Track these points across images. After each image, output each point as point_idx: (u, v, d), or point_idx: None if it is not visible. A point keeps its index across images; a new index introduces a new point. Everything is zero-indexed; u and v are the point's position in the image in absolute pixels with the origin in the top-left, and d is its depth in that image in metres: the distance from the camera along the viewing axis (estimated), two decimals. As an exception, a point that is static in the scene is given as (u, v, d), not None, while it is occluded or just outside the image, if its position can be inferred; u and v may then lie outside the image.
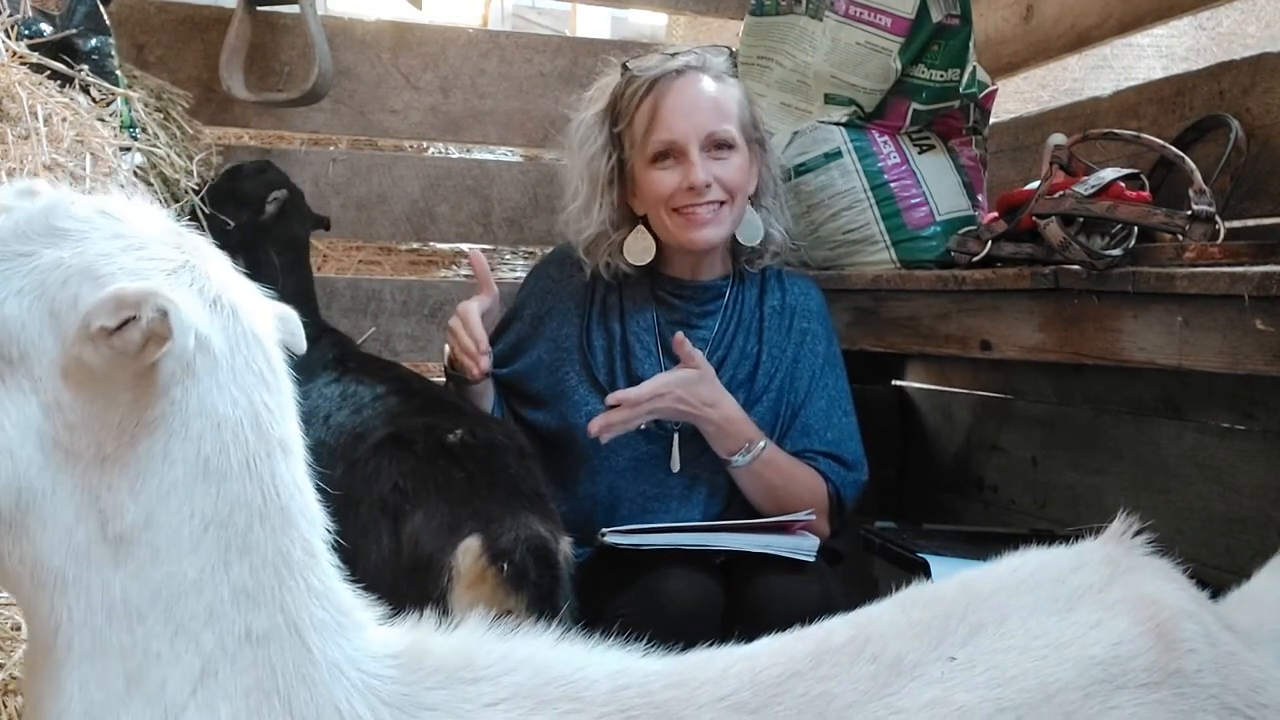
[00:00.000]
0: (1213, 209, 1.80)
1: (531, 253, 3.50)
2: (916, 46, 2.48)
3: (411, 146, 3.46)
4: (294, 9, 2.75)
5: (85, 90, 2.00)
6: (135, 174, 1.98)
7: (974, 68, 2.55)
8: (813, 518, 1.98)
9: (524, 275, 2.57)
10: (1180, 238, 1.79)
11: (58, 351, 0.96)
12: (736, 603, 1.86)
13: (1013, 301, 2.05)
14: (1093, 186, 1.90)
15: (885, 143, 2.54)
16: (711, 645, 1.19)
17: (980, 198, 2.59)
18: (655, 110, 2.07)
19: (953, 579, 1.28)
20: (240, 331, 1.02)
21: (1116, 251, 1.80)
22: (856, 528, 2.47)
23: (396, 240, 3.42)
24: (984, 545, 2.13)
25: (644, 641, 1.15)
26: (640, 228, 2.15)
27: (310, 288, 2.47)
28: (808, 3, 2.57)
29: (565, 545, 1.76)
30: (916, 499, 3.24)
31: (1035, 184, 2.12)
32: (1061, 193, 1.93)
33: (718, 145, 2.06)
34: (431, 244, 3.56)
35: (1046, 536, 1.42)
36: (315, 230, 2.57)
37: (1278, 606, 1.39)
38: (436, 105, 3.03)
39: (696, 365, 2.01)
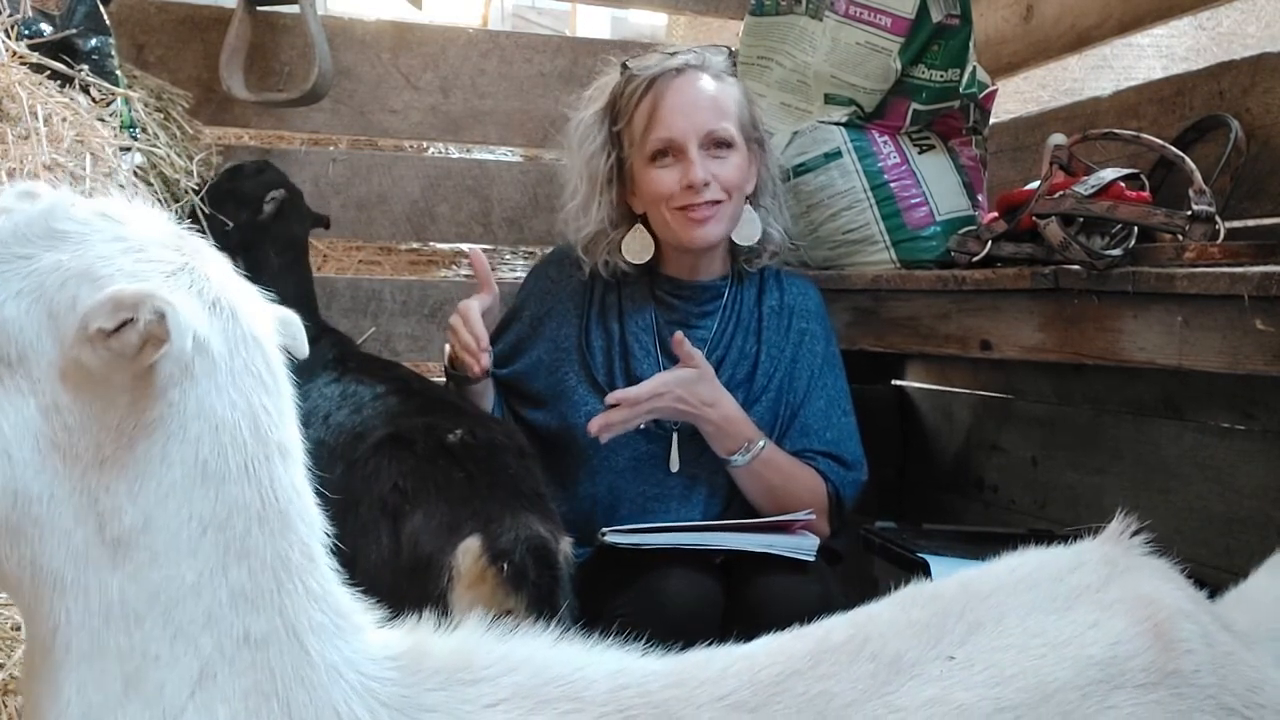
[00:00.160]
0: (1213, 209, 1.80)
1: (531, 253, 3.51)
2: (916, 46, 2.48)
3: (411, 146, 3.46)
4: (294, 9, 2.75)
5: (85, 90, 2.00)
6: (135, 174, 1.98)
7: (974, 68, 2.55)
8: (812, 517, 1.98)
9: (524, 275, 2.57)
10: (1180, 238, 1.79)
11: (56, 353, 0.96)
12: (736, 603, 1.86)
13: (1013, 301, 2.05)
14: (1093, 186, 1.90)
15: (885, 143, 2.54)
16: (711, 645, 1.19)
17: (980, 198, 2.59)
18: (654, 109, 2.07)
19: (951, 578, 1.28)
20: (239, 334, 1.02)
21: (1116, 251, 1.80)
22: (856, 528, 2.47)
23: (396, 240, 3.43)
24: (984, 545, 2.13)
25: (644, 641, 1.15)
26: (639, 226, 2.15)
27: (310, 287, 2.47)
28: (808, 3, 2.57)
29: (565, 545, 1.76)
30: (916, 499, 3.24)
31: (1035, 184, 2.12)
32: (1061, 193, 1.93)
33: (716, 144, 2.07)
34: (431, 244, 3.56)
35: (1046, 536, 1.42)
36: (315, 229, 2.57)
37: (1275, 606, 1.39)
38: (436, 105, 3.02)
39: (696, 365, 2.02)
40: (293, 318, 1.15)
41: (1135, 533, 1.32)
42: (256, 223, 2.35)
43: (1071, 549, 1.31)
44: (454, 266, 3.62)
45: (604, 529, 1.90)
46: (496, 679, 1.05)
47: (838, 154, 2.52)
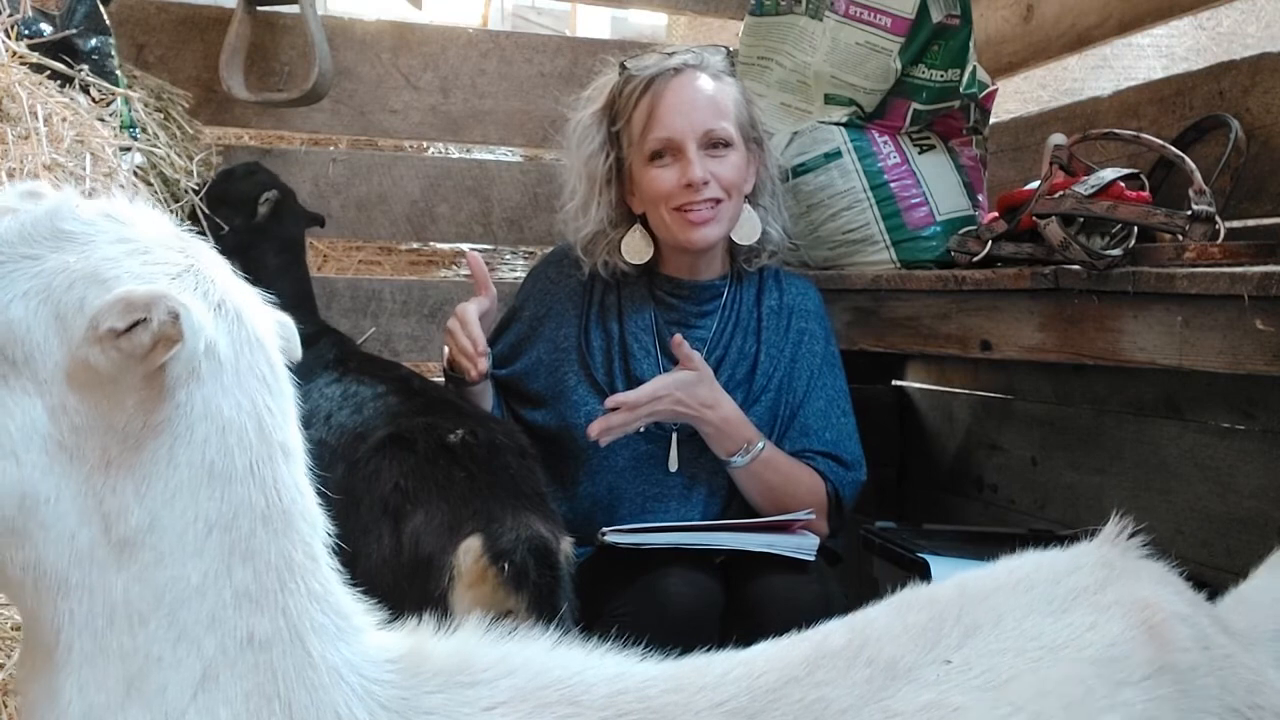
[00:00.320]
0: (1213, 209, 1.80)
1: (531, 253, 3.50)
2: (916, 46, 2.48)
3: (411, 146, 3.46)
4: (294, 9, 2.74)
5: (85, 90, 2.00)
6: (135, 174, 1.98)
7: (974, 68, 2.55)
8: (812, 517, 1.98)
9: (524, 275, 2.57)
10: (1180, 238, 1.79)
11: (63, 354, 0.95)
12: (736, 603, 1.86)
13: (1013, 301, 2.05)
14: (1093, 186, 1.90)
15: (885, 143, 2.54)
16: (711, 645, 1.19)
17: (980, 198, 2.59)
18: (652, 109, 2.07)
19: (948, 581, 1.29)
20: (244, 335, 1.03)
21: (1116, 251, 1.80)
22: (856, 528, 2.47)
23: (396, 240, 3.42)
24: (984, 545, 2.13)
25: (643, 641, 1.15)
26: (638, 226, 2.15)
27: (309, 288, 2.47)
28: (808, 3, 2.57)
29: (566, 545, 1.76)
30: (916, 499, 3.24)
31: (1035, 184, 2.12)
32: (1061, 193, 1.93)
33: (715, 143, 2.07)
34: (431, 244, 3.56)
35: (1046, 537, 1.42)
36: (310, 228, 2.57)
37: (1273, 606, 1.39)
38: (436, 105, 3.02)
39: (695, 367, 2.01)
40: (287, 320, 1.16)
41: (1133, 535, 1.32)
42: (252, 225, 2.35)
43: (1068, 551, 1.32)
44: (454, 266, 3.62)
45: (604, 529, 1.90)
46: (495, 682, 1.05)
47: (838, 154, 2.52)
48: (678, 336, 2.04)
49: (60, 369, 0.95)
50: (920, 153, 2.56)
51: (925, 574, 2.09)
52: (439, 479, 1.77)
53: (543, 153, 3.27)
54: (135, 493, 0.96)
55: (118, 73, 2.13)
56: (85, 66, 2.04)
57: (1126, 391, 2.51)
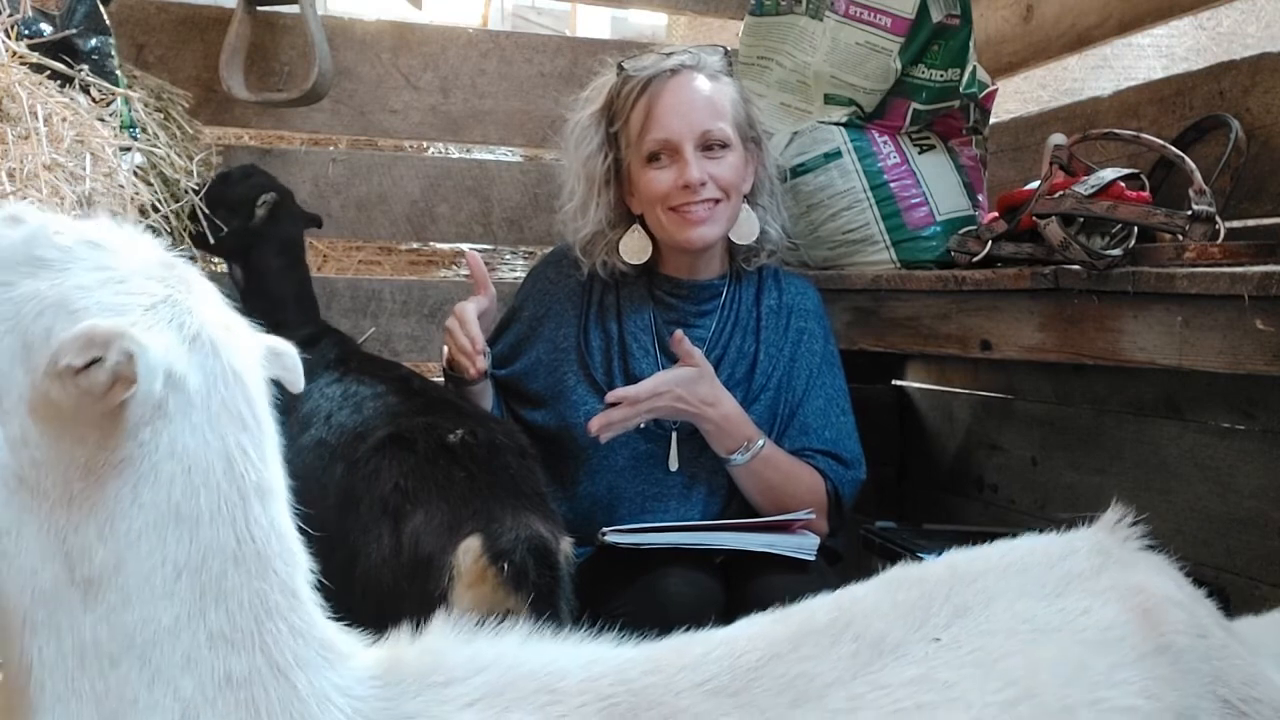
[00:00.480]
0: (1213, 209, 1.80)
1: (531, 253, 3.50)
2: (916, 46, 2.48)
3: (411, 146, 3.46)
4: (294, 9, 2.74)
5: (85, 90, 2.00)
6: (135, 174, 1.98)
7: (974, 68, 2.55)
8: (813, 517, 1.98)
9: (524, 275, 2.57)
10: (1180, 238, 1.79)
11: (27, 385, 0.93)
12: (736, 603, 1.86)
13: (1013, 301, 2.05)
14: (1093, 186, 1.90)
15: (885, 143, 2.54)
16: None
17: (980, 198, 2.59)
18: (650, 110, 2.07)
19: (938, 561, 1.27)
20: (219, 370, 1.00)
21: (1116, 251, 1.80)
22: (856, 527, 2.47)
23: (396, 240, 3.42)
24: (984, 545, 2.13)
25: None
26: (637, 227, 2.15)
27: (309, 288, 2.47)
28: (808, 3, 2.57)
29: (566, 545, 1.76)
30: (916, 499, 3.24)
31: (1035, 184, 2.12)
32: (1061, 193, 1.93)
33: (712, 144, 2.07)
34: (431, 244, 3.56)
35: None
36: (309, 229, 2.57)
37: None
38: (436, 105, 3.02)
39: (695, 363, 2.02)
40: (287, 348, 1.13)
41: (1131, 524, 1.31)
42: (249, 227, 2.35)
43: (1064, 537, 1.30)
44: (454, 266, 3.62)
45: (604, 529, 1.90)
46: (468, 679, 1.04)
47: (837, 154, 2.52)
48: (678, 333, 2.04)
49: (23, 401, 0.93)
50: (920, 153, 2.57)
51: (925, 574, 2.09)
52: (439, 479, 1.77)
53: (543, 153, 3.27)
54: (98, 532, 0.94)
55: (118, 73, 2.13)
56: (85, 66, 2.04)
57: (1126, 391, 2.51)
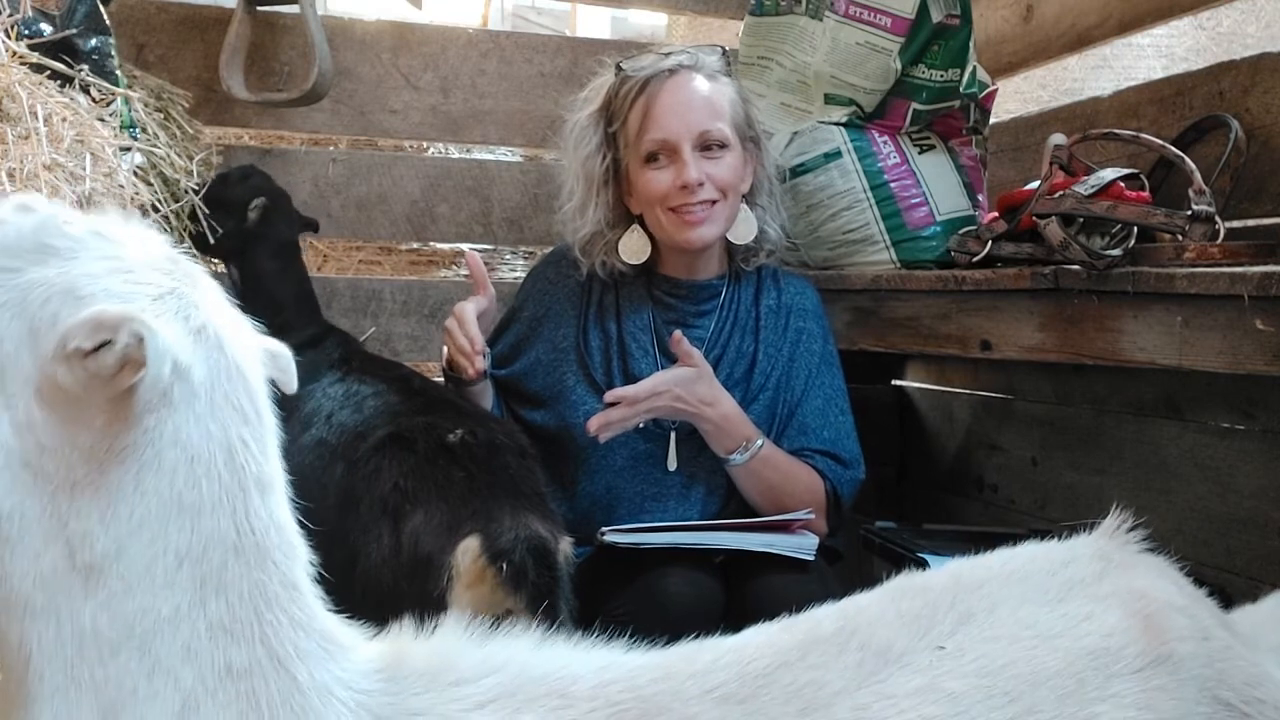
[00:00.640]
0: (1213, 209, 1.80)
1: (531, 253, 3.50)
2: (916, 46, 2.48)
3: (411, 146, 3.46)
4: (294, 9, 2.74)
5: (85, 90, 2.00)
6: (135, 174, 1.98)
7: (974, 68, 2.55)
8: (812, 517, 1.98)
9: (524, 275, 2.57)
10: (1180, 238, 1.79)
11: (33, 369, 0.94)
12: (736, 603, 1.86)
13: (1013, 301, 2.05)
14: (1093, 186, 1.90)
15: (885, 143, 2.54)
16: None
17: (980, 198, 2.59)
18: (648, 110, 2.07)
19: (942, 569, 1.28)
20: (223, 363, 1.01)
21: (1116, 251, 1.80)
22: (856, 527, 2.47)
23: (396, 240, 3.42)
24: (984, 545, 2.12)
25: (644, 641, 1.15)
26: (635, 227, 2.15)
27: (308, 289, 2.47)
28: (808, 3, 2.57)
29: (565, 545, 1.76)
30: (916, 499, 3.24)
31: (1035, 184, 2.12)
32: (1061, 193, 1.93)
33: (710, 144, 2.07)
34: (431, 244, 3.56)
35: (1046, 536, 1.42)
36: (305, 232, 2.57)
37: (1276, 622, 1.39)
38: (436, 105, 3.02)
39: (694, 363, 2.02)
40: (283, 350, 1.14)
41: (1131, 529, 1.32)
42: (243, 230, 2.35)
43: (1065, 543, 1.31)
44: (454, 266, 3.62)
45: (603, 529, 1.90)
46: (480, 679, 1.05)
47: (837, 154, 2.52)
48: (677, 333, 2.04)
49: (29, 384, 0.94)
50: (920, 153, 2.57)
51: (925, 574, 2.09)
52: (438, 479, 1.77)
53: (543, 153, 3.27)
54: (100, 518, 0.94)
55: (118, 73, 2.13)
56: (85, 66, 2.04)
57: (1126, 391, 2.51)
